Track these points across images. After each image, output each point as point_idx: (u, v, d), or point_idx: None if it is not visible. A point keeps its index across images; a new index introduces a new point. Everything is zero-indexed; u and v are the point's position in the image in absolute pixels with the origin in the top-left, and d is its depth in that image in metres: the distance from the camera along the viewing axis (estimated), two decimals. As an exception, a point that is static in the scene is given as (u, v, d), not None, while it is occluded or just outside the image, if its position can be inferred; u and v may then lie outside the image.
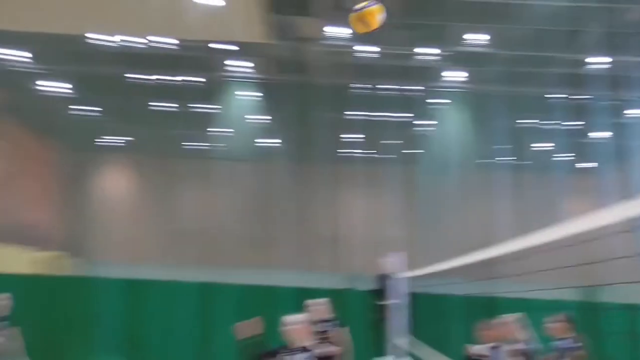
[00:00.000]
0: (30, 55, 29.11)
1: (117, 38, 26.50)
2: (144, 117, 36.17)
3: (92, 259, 38.47)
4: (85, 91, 33.21)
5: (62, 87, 32.87)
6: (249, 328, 7.37)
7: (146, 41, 26.64)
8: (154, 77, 30.53)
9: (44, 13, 23.55)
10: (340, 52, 27.55)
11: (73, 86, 32.83)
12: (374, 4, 6.64)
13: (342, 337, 8.93)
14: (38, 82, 32.23)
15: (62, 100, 34.47)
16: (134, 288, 14.98)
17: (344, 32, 25.87)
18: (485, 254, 6.24)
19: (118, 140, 42.68)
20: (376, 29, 6.76)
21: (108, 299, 14.70)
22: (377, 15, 6.63)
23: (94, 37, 26.45)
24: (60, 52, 28.21)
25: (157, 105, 34.61)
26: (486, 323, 8.16)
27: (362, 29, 6.69)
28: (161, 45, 26.75)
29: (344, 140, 38.85)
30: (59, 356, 13.91)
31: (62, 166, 42.99)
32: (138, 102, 33.94)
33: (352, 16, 6.73)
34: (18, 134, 36.01)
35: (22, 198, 36.77)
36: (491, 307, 13.06)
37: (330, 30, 25.73)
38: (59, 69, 30.29)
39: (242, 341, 7.25)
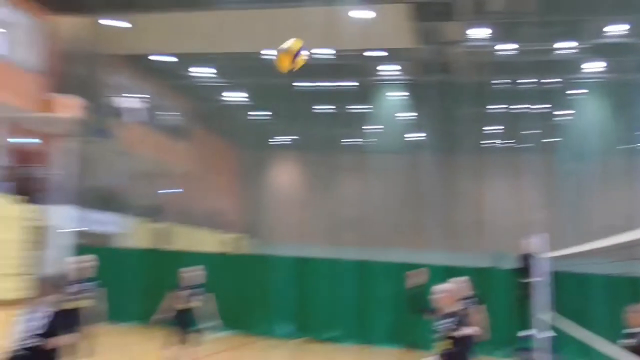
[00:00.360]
0: (215, 71, 30.81)
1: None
2: (308, 118, 37.12)
3: (267, 240, 40.24)
4: (259, 99, 34.66)
5: (240, 97, 34.52)
6: (416, 277, 7.34)
7: (308, 53, 27.24)
8: (316, 84, 31.20)
9: (226, 36, 24.88)
10: (480, 51, 26.50)
11: (249, 95, 34.35)
12: (304, 50, 6.51)
13: (480, 314, 8.52)
14: (222, 94, 34.08)
15: (241, 108, 36.26)
16: (302, 265, 15.35)
17: (484, 33, 24.86)
18: (628, 236, 5.70)
19: (287, 139, 44.19)
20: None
21: (280, 274, 15.19)
22: (303, 62, 6.56)
23: (267, 52, 27.49)
24: (239, 67, 29.58)
25: (318, 108, 35.38)
26: (634, 305, 7.44)
27: (286, 68, 6.56)
28: (321, 56, 27.26)
29: (485, 132, 37.51)
30: (242, 321, 14.59)
31: (242, 163, 45.28)
32: (303, 106, 34.88)
33: (284, 55, 6.49)
34: (206, 137, 38.40)
35: (211, 190, 39.13)
36: (634, 286, 12.05)
37: (471, 32, 24.83)
38: (239, 81, 31.80)
39: (410, 290, 7.25)
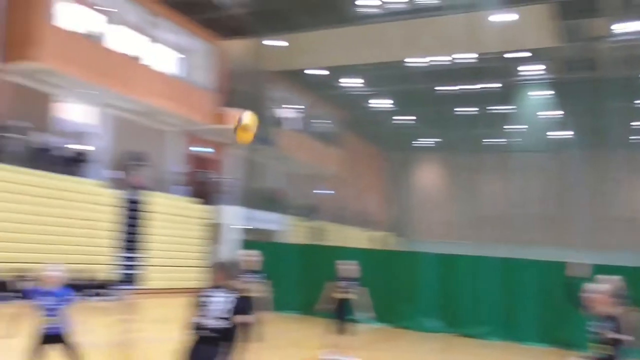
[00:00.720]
0: (362, 81, 31.10)
1: (428, 59, 26.88)
2: (450, 121, 36.16)
3: (412, 237, 39.84)
4: (403, 104, 34.41)
5: (386, 103, 34.50)
6: (577, 268, 6.83)
7: (450, 58, 26.55)
8: (458, 87, 30.28)
9: (371, 48, 25.04)
10: (628, 46, 24.06)
11: (394, 101, 34.22)
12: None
13: (634, 317, 7.50)
14: (369, 102, 34.29)
15: (386, 114, 36.24)
16: (446, 261, 14.96)
17: (632, 27, 22.53)
18: None
19: (430, 141, 43.41)
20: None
21: (425, 270, 14.91)
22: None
23: (410, 60, 27.20)
24: (385, 75, 29.57)
25: (460, 110, 34.33)
26: None
27: (247, 142, 6.41)
28: (463, 60, 26.42)
29: (635, 127, 34.04)
30: (390, 314, 14.49)
31: (388, 165, 45.27)
32: (445, 109, 34.05)
33: (244, 132, 6.25)
34: (355, 142, 38.90)
35: (360, 191, 39.58)
36: None
37: (618, 27, 22.62)
38: (384, 89, 31.79)
39: (569, 278, 6.78)
